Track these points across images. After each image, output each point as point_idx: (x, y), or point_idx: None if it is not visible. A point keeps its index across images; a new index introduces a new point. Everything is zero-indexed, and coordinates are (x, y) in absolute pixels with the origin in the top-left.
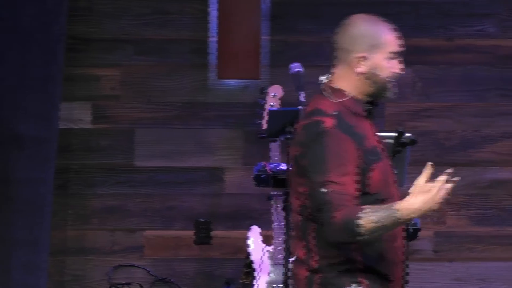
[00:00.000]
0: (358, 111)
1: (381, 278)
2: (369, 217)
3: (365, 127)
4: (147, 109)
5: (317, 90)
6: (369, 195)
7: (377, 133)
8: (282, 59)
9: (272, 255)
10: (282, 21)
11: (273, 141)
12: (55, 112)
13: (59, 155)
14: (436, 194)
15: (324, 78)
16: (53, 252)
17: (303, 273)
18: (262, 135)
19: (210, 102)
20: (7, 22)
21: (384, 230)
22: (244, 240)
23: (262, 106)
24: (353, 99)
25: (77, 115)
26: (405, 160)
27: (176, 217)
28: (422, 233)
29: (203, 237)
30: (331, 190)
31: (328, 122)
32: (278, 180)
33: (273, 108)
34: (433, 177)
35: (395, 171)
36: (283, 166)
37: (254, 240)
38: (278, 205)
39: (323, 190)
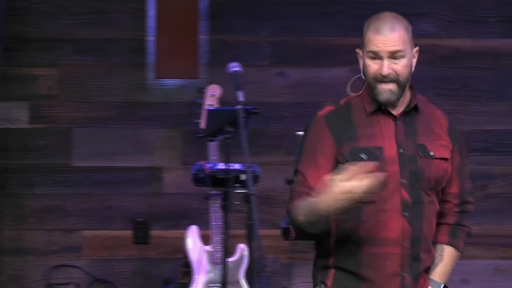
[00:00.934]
0: (368, 108)
1: (355, 282)
2: (299, 210)
3: (376, 126)
4: (85, 109)
5: (257, 90)
6: None
7: (411, 138)
8: (221, 58)
9: (210, 255)
10: (220, 20)
11: (212, 140)
12: None
13: None
14: (349, 192)
15: None
16: None
17: None
18: (201, 135)
19: (148, 101)
20: None
21: (315, 223)
22: (182, 240)
23: (201, 105)
24: (367, 96)
25: (14, 115)
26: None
27: (114, 217)
28: None
29: (141, 237)
30: (296, 180)
31: (324, 110)
32: (216, 180)
33: (212, 108)
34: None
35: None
36: (221, 166)
37: (192, 240)
38: (216, 205)
39: (294, 178)
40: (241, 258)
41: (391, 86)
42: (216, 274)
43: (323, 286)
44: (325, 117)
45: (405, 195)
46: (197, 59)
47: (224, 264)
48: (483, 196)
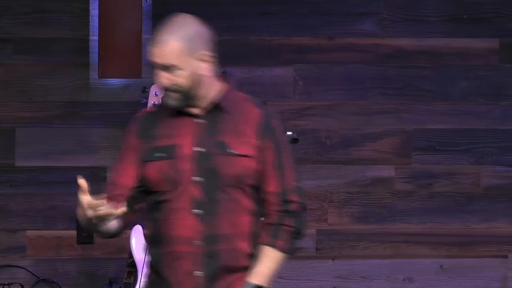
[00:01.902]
0: (170, 110)
1: (160, 280)
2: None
3: (175, 125)
4: (28, 109)
5: None
6: (151, 193)
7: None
8: None
9: None
10: (163, 20)
11: None
12: None
13: None
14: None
15: None
16: None
17: None
18: None
19: (91, 101)
20: None
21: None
22: (127, 240)
23: (145, 105)
24: None
25: None
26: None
27: (58, 217)
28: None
29: (86, 237)
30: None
31: (139, 113)
32: None
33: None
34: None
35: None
36: None
37: (137, 239)
38: None
39: None
40: None
41: (174, 94)
42: None
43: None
44: (138, 118)
45: (196, 192)
46: (141, 59)
47: None
48: (427, 195)
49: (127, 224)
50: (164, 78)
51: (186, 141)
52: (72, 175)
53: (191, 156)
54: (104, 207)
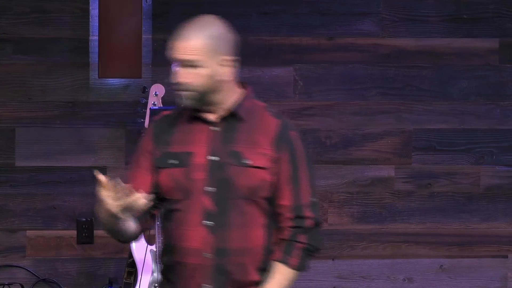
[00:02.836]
0: (186, 115)
1: None
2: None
3: (190, 132)
4: (28, 109)
5: None
6: (165, 200)
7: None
8: (164, 58)
9: (155, 255)
10: (163, 20)
11: None
12: None
13: None
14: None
15: None
16: None
17: None
18: None
19: (91, 101)
20: None
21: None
22: None
23: (144, 105)
24: None
25: None
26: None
27: (58, 217)
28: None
29: (86, 237)
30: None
31: (161, 114)
32: None
33: (155, 107)
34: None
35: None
36: None
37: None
38: None
39: None
40: None
41: (189, 94)
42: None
43: None
44: (155, 121)
45: (208, 203)
46: (141, 59)
47: None
48: (427, 195)
49: (144, 228)
50: (183, 75)
51: (200, 149)
52: (72, 175)
53: (204, 165)
54: (129, 194)
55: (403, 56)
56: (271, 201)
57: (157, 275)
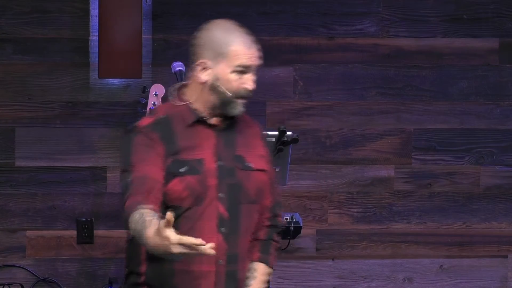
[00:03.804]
0: (188, 119)
1: None
2: (133, 221)
3: (196, 137)
4: (27, 108)
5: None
6: (171, 208)
7: (229, 148)
8: (164, 58)
9: None
10: (163, 20)
11: None
12: None
13: None
14: (168, 244)
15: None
16: None
17: None
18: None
19: (91, 101)
20: None
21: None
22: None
23: (144, 105)
24: (188, 107)
25: None
26: (287, 159)
27: (58, 217)
28: (304, 231)
29: (86, 237)
30: (130, 180)
31: (145, 121)
32: None
33: (155, 107)
34: (315, 175)
35: (276, 170)
36: None
37: None
38: None
39: (126, 178)
40: None
41: (245, 100)
42: None
43: None
44: (150, 127)
45: (222, 209)
46: (141, 59)
47: None
48: (427, 195)
49: None
50: (255, 81)
51: (208, 155)
52: (72, 175)
53: (215, 171)
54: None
55: (403, 56)
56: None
57: None
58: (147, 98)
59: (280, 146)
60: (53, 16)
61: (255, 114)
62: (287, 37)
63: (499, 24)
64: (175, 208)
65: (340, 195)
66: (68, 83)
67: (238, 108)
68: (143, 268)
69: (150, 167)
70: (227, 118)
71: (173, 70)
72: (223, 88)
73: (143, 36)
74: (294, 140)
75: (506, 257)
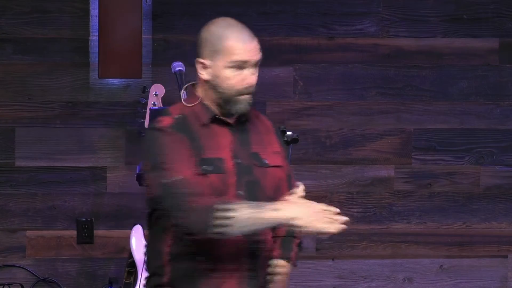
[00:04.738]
0: (203, 118)
1: None
2: (238, 214)
3: (213, 136)
4: (27, 108)
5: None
6: None
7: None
8: (164, 58)
9: None
10: (163, 20)
11: None
12: None
13: None
14: (324, 214)
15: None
16: None
17: None
18: (145, 134)
19: (91, 101)
20: None
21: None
22: (127, 240)
23: (144, 105)
24: (201, 104)
25: None
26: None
27: (58, 217)
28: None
29: (86, 237)
30: (174, 180)
31: (165, 122)
32: None
33: (155, 107)
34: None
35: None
36: None
37: (137, 240)
38: None
39: (164, 180)
40: None
41: (249, 96)
42: None
43: None
44: (173, 127)
45: None
46: (141, 59)
47: None
48: (427, 195)
49: None
50: (255, 76)
51: (227, 153)
52: (72, 175)
53: (234, 169)
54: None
55: (403, 56)
56: None
57: None
58: (147, 98)
59: None
60: (53, 16)
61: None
62: (287, 37)
63: (499, 24)
64: None
65: (340, 195)
66: (68, 83)
67: (241, 105)
68: (166, 268)
69: (187, 170)
70: (240, 116)
71: (173, 70)
72: (221, 86)
73: (143, 36)
74: (294, 140)
75: (506, 257)
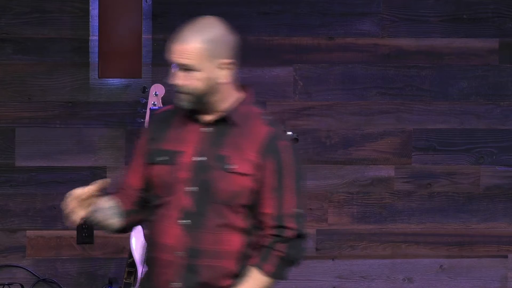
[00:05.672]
0: (182, 113)
1: (148, 282)
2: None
3: (183, 130)
4: (27, 109)
5: None
6: (154, 196)
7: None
8: (164, 58)
9: None
10: (163, 20)
11: None
12: None
13: None
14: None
15: None
16: None
17: None
18: None
19: (91, 101)
20: None
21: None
22: (127, 240)
23: (144, 105)
24: None
25: None
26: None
27: (58, 217)
28: None
29: (86, 237)
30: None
31: (163, 108)
32: None
33: (155, 107)
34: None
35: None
36: None
37: (137, 239)
38: None
39: None
40: None
41: (186, 96)
42: None
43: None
44: (154, 116)
45: (188, 203)
46: (141, 59)
47: None
48: (427, 195)
49: (132, 223)
50: (180, 78)
51: (189, 149)
52: (72, 175)
53: (189, 165)
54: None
55: (403, 56)
56: (253, 208)
57: None
58: (147, 98)
59: None
60: (53, 16)
61: None
62: (287, 37)
63: (499, 24)
64: (155, 196)
65: (340, 195)
66: (68, 83)
67: (180, 102)
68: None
69: (132, 169)
70: (227, 117)
71: (173, 70)
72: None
73: (143, 36)
74: (294, 140)
75: (506, 257)
